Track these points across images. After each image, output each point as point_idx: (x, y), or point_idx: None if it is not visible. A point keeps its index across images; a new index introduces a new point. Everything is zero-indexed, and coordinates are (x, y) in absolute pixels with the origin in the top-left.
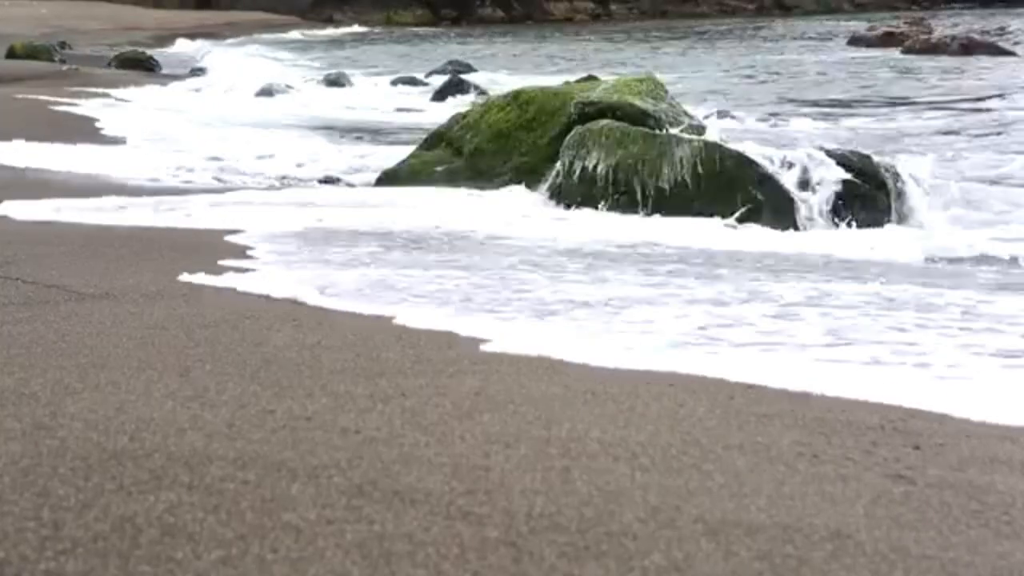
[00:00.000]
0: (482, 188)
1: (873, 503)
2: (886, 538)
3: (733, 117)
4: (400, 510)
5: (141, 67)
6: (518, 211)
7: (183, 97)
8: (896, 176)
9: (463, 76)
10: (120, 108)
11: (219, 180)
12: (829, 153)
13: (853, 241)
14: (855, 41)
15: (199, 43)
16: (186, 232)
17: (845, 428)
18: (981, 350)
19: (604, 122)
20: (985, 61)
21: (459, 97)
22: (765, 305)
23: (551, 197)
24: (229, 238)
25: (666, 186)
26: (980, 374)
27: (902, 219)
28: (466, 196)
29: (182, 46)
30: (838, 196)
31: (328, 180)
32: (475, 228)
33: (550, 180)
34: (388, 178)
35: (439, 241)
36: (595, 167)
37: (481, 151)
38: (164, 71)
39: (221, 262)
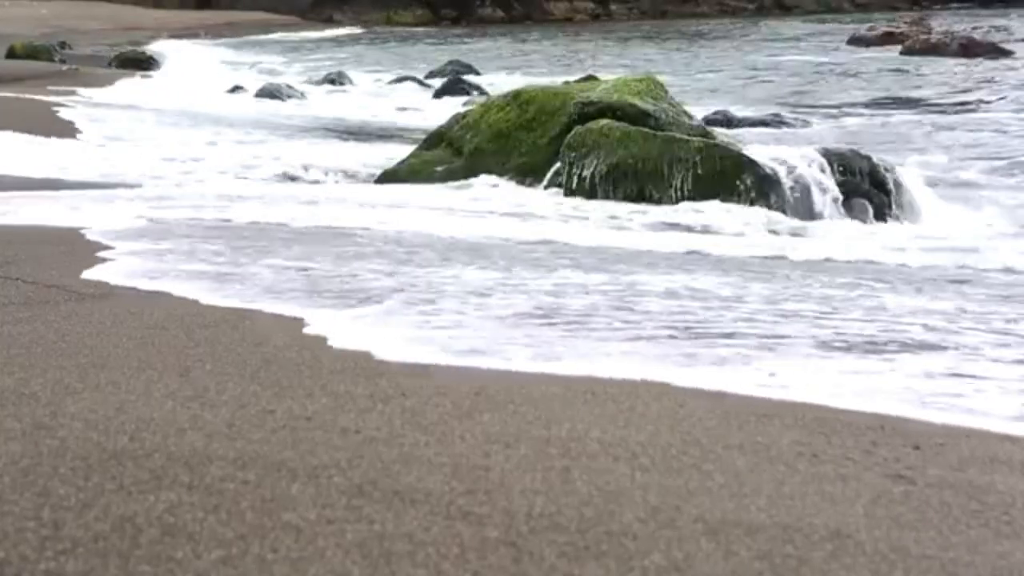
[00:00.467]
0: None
1: (873, 503)
2: (886, 538)
3: (733, 116)
4: (400, 510)
5: (140, 67)
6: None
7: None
8: (895, 175)
9: (463, 76)
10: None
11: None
12: (828, 153)
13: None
14: (855, 41)
15: (181, 42)
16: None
17: (845, 428)
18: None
19: (604, 122)
20: (985, 61)
21: (459, 97)
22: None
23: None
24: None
25: (667, 186)
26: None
27: (901, 218)
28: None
29: (162, 46)
30: (838, 195)
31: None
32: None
33: (548, 178)
34: (387, 177)
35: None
36: (595, 167)
37: (481, 151)
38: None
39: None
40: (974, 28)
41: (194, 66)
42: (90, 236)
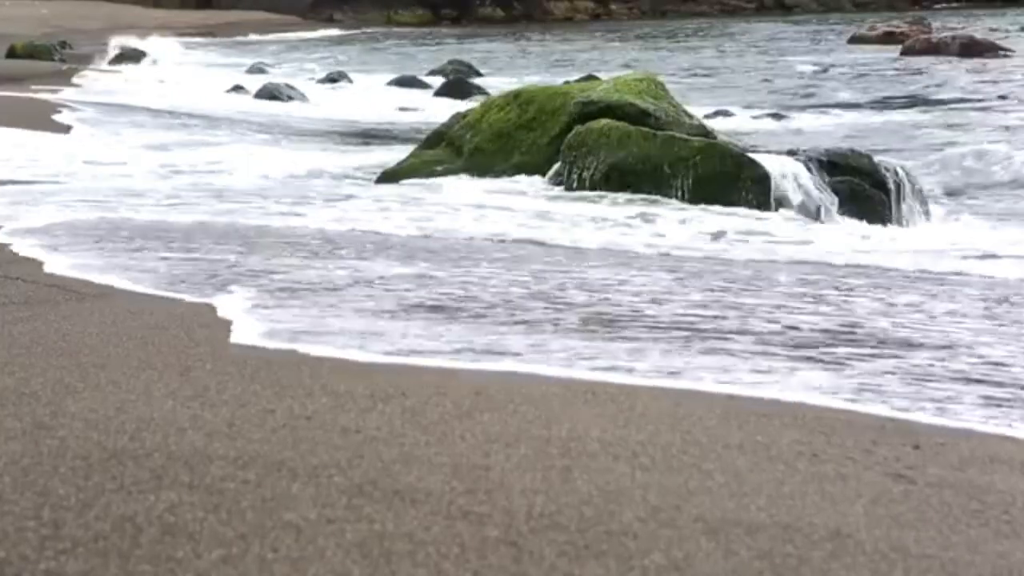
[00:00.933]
0: None
1: (873, 503)
2: (886, 537)
3: (733, 116)
4: (400, 509)
5: (133, 60)
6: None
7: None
8: (895, 175)
9: (463, 76)
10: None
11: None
12: (829, 153)
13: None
14: (855, 41)
15: (181, 42)
16: None
17: (845, 427)
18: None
19: (604, 122)
20: (985, 60)
21: (459, 97)
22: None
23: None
24: None
25: (667, 186)
26: None
27: (902, 219)
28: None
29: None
30: (838, 196)
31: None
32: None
33: (548, 178)
34: (387, 178)
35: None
36: (595, 167)
37: (481, 150)
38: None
39: None
40: (974, 28)
41: (194, 66)
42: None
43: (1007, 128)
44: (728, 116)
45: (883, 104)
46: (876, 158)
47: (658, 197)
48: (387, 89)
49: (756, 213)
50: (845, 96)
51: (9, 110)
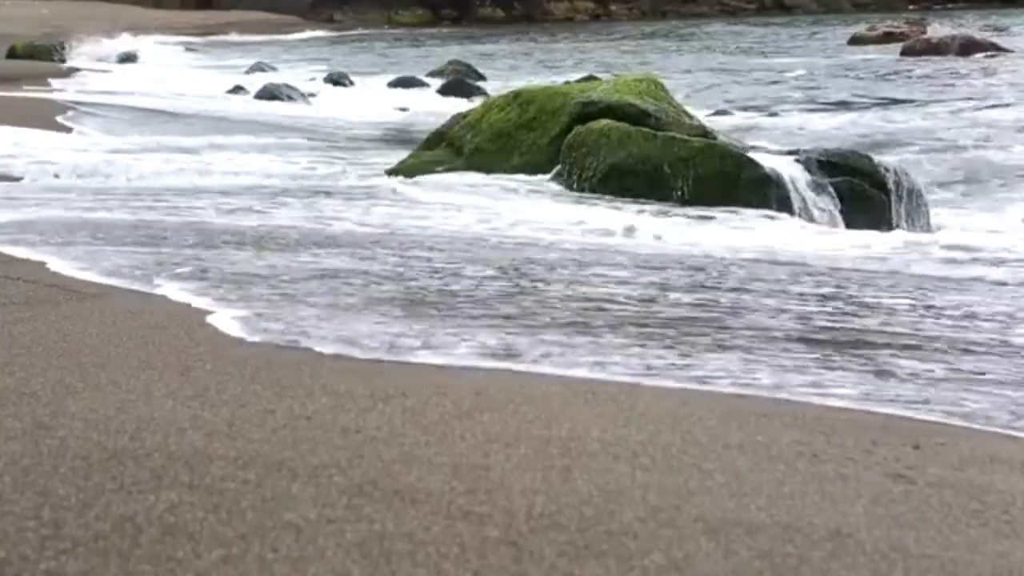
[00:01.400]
0: None
1: (873, 502)
2: (886, 537)
3: (732, 116)
4: (400, 510)
5: (133, 60)
6: None
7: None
8: (895, 176)
9: (464, 76)
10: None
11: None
12: (828, 153)
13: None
14: (855, 41)
15: (180, 41)
16: None
17: (845, 427)
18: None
19: (604, 122)
20: (985, 61)
21: (459, 97)
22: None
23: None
24: None
25: (667, 186)
26: None
27: (902, 220)
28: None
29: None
30: (838, 196)
31: None
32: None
33: (549, 178)
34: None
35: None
36: (595, 167)
37: (481, 150)
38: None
39: None
40: (981, 31)
41: (194, 66)
42: None
43: (1007, 128)
44: (728, 116)
45: (883, 104)
46: (876, 158)
47: (658, 197)
48: (387, 90)
49: (756, 213)
50: (845, 96)
51: (9, 110)
